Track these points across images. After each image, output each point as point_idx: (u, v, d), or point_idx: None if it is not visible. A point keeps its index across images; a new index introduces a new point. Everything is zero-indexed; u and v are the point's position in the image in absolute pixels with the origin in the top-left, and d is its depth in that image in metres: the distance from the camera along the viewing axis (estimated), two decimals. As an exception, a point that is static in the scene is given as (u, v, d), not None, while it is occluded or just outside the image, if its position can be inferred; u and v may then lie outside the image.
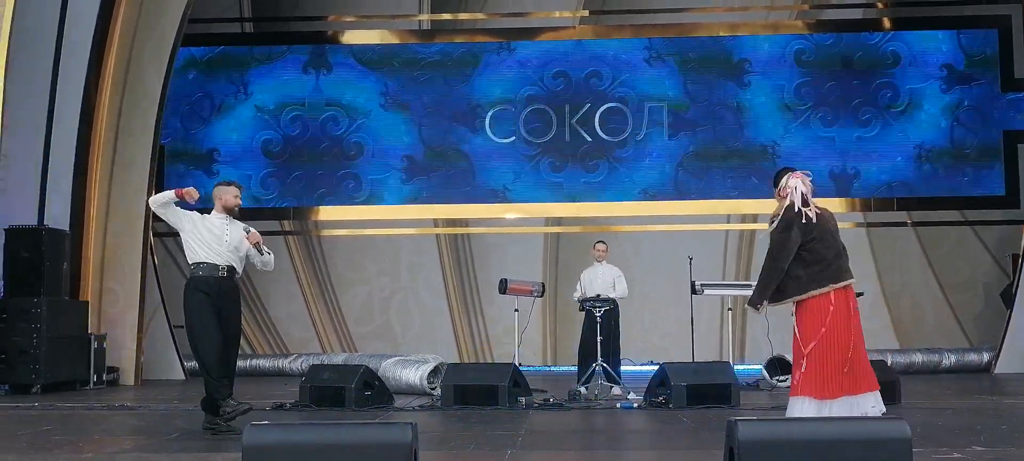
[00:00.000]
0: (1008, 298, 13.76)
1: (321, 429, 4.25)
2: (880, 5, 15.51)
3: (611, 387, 9.95)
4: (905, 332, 14.71)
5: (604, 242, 11.24)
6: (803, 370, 6.17)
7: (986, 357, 13.67)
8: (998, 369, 13.33)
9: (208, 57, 15.65)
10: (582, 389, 9.96)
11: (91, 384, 11.61)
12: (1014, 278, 13.71)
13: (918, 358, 13.56)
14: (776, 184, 6.45)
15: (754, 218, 15.16)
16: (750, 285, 12.33)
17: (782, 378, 11.34)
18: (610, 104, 15.38)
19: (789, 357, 11.33)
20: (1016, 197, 14.79)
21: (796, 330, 6.27)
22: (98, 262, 12.44)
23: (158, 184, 14.54)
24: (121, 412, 8.97)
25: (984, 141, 15.04)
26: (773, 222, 6.32)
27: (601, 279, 10.89)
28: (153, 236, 13.67)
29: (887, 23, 15.38)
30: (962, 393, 10.28)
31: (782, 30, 15.42)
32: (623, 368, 11.00)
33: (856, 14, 15.48)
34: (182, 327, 14.62)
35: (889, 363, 11.08)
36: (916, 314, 14.71)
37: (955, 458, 5.62)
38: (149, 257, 13.12)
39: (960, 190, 15.00)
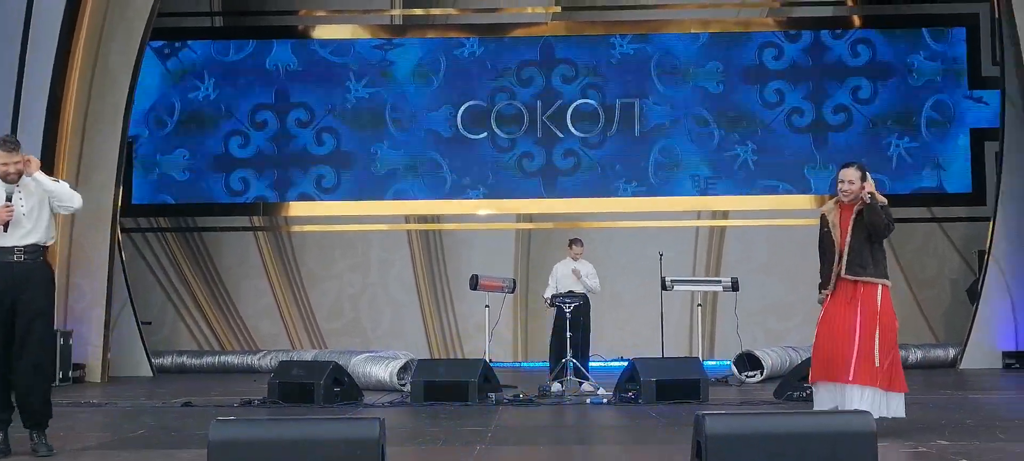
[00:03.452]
0: (974, 294, 13.91)
1: (288, 425, 4.23)
2: (850, 3, 15.61)
3: (581, 383, 9.97)
4: (873, 328, 14.76)
5: (581, 242, 11.06)
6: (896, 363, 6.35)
7: (952, 353, 13.80)
8: (963, 364, 13.48)
9: (177, 51, 15.53)
10: (554, 385, 9.98)
11: (57, 381, 11.46)
12: (979, 274, 13.87)
13: (886, 354, 13.65)
14: (864, 174, 6.49)
15: (724, 215, 15.23)
16: (720, 281, 12.48)
17: (750, 374, 11.41)
18: (582, 101, 15.39)
19: (757, 353, 11.49)
20: (983, 194, 14.93)
21: (888, 318, 6.32)
22: (65, 258, 12.30)
23: (126, 179, 14.46)
24: (87, 409, 8.87)
25: (951, 139, 15.18)
26: (873, 200, 6.34)
27: (574, 274, 10.81)
28: (121, 232, 13.55)
29: (857, 21, 15.49)
30: (928, 388, 10.37)
31: (753, 28, 15.49)
32: (593, 363, 10.98)
33: (826, 12, 15.57)
34: (149, 323, 14.56)
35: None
36: (884, 310, 14.80)
37: (920, 452, 5.67)
38: (117, 253, 13.00)
39: (928, 187, 15.14)
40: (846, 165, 6.60)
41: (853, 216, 6.45)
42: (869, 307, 6.33)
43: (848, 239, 6.42)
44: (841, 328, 6.33)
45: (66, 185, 6.01)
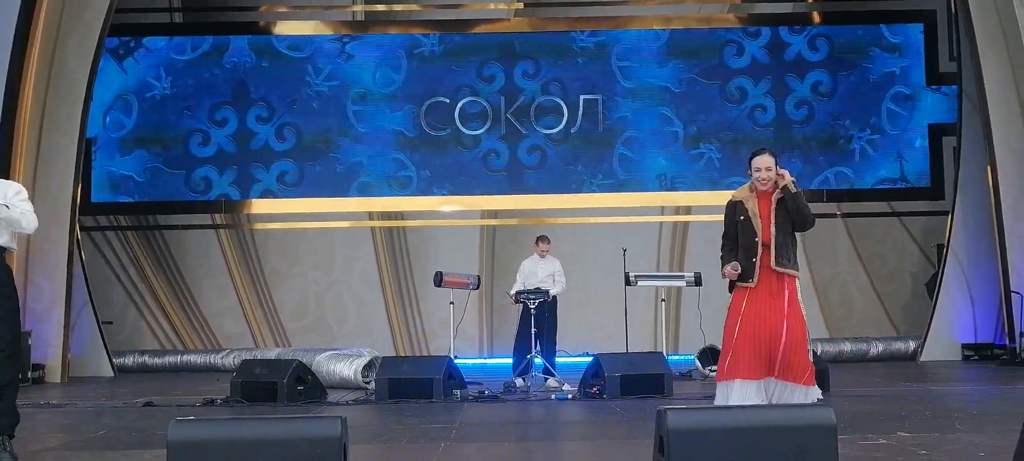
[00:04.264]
0: (933, 288, 14.09)
1: (249, 424, 4.19)
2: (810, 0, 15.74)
3: (546, 379, 9.99)
4: (834, 322, 14.97)
5: (548, 239, 11.12)
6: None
7: (912, 345, 13.98)
8: (923, 357, 13.66)
9: (133, 50, 15.35)
10: (518, 381, 9.99)
11: (16, 382, 11.31)
12: (938, 268, 14.05)
13: (847, 347, 13.83)
14: (776, 161, 6.38)
15: (688, 210, 15.30)
16: (683, 276, 12.55)
17: (714, 368, 11.47)
18: (545, 97, 15.40)
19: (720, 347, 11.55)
20: (941, 188, 15.11)
21: (803, 313, 6.27)
22: (23, 257, 12.13)
23: (85, 177, 14.28)
24: (47, 410, 8.77)
25: (910, 134, 15.35)
26: (793, 189, 6.26)
27: (541, 272, 10.86)
28: (80, 230, 13.39)
29: (817, 17, 15.61)
30: (889, 380, 10.50)
31: (715, 23, 15.57)
32: (558, 359, 11.01)
33: (786, 8, 15.68)
34: (110, 323, 14.40)
35: (819, 352, 11.28)
36: (845, 304, 14.97)
37: (881, 443, 5.73)
38: (76, 252, 12.84)
39: (887, 182, 15.30)
40: (760, 152, 6.37)
41: (774, 206, 6.29)
42: (794, 303, 6.20)
43: (773, 230, 6.26)
44: (769, 325, 6.14)
45: (17, 208, 5.74)
